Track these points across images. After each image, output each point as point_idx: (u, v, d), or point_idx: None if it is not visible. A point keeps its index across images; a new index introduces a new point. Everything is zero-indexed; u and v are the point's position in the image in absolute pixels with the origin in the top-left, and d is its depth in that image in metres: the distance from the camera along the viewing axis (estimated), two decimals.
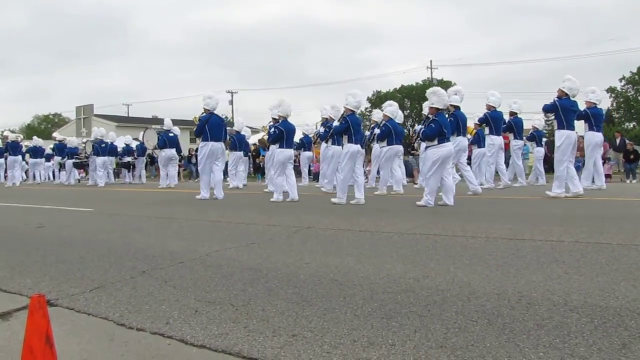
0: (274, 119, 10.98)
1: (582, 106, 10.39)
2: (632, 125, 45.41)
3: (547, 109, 9.41)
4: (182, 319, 2.58)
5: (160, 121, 17.88)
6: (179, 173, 19.14)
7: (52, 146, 23.10)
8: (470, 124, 12.67)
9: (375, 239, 4.93)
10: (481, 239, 4.62)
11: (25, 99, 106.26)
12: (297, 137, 12.80)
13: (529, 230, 5.03)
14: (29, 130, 62.50)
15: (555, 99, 9.15)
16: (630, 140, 20.32)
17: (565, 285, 2.94)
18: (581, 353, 2.00)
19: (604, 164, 17.21)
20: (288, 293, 2.99)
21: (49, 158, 22.76)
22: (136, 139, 20.80)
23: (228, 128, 12.78)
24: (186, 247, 4.56)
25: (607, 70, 72.35)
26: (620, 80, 49.20)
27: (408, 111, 50.57)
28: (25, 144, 22.88)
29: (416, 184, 13.85)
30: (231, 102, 52.62)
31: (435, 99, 8.25)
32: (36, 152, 22.22)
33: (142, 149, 19.86)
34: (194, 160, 22.22)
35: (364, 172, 10.73)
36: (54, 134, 24.87)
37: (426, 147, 8.46)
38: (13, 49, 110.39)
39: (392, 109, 11.52)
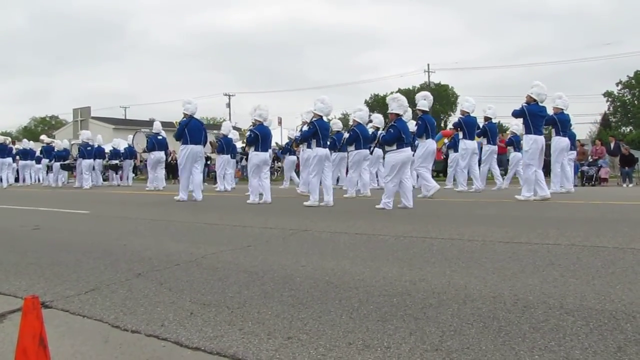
0: (252, 123, 11.17)
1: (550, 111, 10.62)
2: (629, 130, 45.59)
3: (515, 114, 9.68)
4: (177, 321, 2.57)
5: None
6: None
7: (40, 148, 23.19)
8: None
9: (372, 241, 4.92)
10: (478, 242, 4.62)
11: (23, 101, 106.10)
12: (283, 142, 13.00)
13: (525, 234, 5.04)
14: (26, 133, 62.49)
15: (524, 104, 9.38)
16: (628, 145, 20.36)
17: (561, 289, 2.94)
18: (577, 356, 2.00)
19: (600, 168, 17.33)
20: (284, 295, 2.98)
21: (39, 160, 22.82)
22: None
23: (214, 131, 12.93)
24: (182, 250, 4.55)
25: (604, 74, 72.78)
26: (617, 84, 49.44)
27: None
28: (16, 146, 23.06)
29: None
30: (229, 105, 52.60)
31: (395, 105, 8.52)
32: (26, 154, 22.45)
33: (129, 152, 19.97)
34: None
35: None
36: (42, 137, 24.93)
37: (385, 152, 8.68)
38: (11, 51, 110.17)
39: (361, 114, 11.79)
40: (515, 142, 14.29)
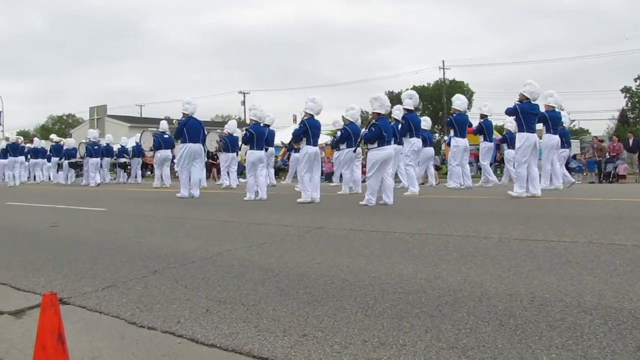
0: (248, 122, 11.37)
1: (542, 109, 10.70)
2: None
3: (508, 112, 9.82)
4: (193, 318, 2.59)
5: (169, 122, 18.29)
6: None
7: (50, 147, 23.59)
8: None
9: (387, 239, 4.91)
10: (494, 240, 4.58)
11: (40, 100, 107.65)
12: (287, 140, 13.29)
13: (542, 231, 4.98)
14: (43, 131, 63.19)
15: (517, 102, 9.48)
16: None
17: (579, 287, 2.91)
18: (594, 355, 1.98)
19: (617, 165, 17.11)
20: (299, 293, 2.98)
21: (50, 159, 23.20)
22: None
23: (218, 130, 13.17)
24: (197, 247, 4.57)
25: (619, 70, 71.63)
26: (635, 79, 48.62)
27: (420, 112, 50.35)
28: (28, 145, 23.62)
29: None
30: (243, 103, 52.82)
31: (377, 104, 8.72)
32: (37, 152, 23.09)
33: (138, 150, 20.20)
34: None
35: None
36: (51, 136, 25.45)
37: (367, 150, 8.87)
38: (29, 51, 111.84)
39: (352, 113, 11.96)
40: (509, 140, 14.38)
